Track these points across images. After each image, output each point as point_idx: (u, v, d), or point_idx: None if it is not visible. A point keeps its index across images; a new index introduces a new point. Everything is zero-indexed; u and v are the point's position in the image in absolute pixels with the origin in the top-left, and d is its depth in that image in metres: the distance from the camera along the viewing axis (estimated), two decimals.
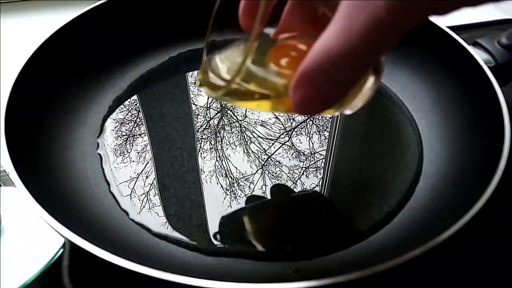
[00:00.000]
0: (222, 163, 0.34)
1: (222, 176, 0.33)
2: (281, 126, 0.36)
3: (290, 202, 0.31)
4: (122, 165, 0.33)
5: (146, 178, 0.33)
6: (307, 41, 0.21)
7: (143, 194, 0.32)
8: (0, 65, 0.42)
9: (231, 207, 0.31)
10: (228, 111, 0.38)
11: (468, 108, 0.35)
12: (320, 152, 0.35)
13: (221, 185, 0.32)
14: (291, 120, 0.37)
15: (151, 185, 0.32)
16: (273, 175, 0.33)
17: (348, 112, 0.24)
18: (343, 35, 0.16)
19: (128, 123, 0.37)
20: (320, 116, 0.37)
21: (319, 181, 0.33)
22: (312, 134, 0.36)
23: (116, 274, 0.24)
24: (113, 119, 0.37)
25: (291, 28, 0.23)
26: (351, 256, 0.29)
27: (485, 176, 0.27)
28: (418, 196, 0.32)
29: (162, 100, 0.39)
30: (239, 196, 0.32)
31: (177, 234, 0.29)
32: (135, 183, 0.32)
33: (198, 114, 0.37)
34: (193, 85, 0.40)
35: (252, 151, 0.35)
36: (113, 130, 0.36)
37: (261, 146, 0.35)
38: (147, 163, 0.34)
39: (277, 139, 0.35)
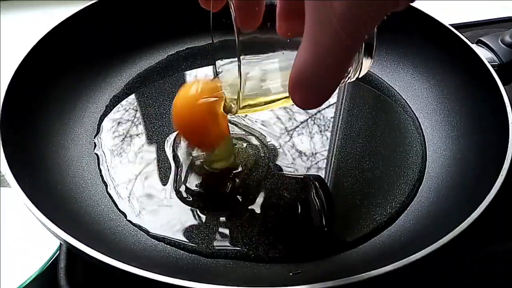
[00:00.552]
0: None
1: None
2: (282, 126, 0.36)
3: (291, 203, 0.31)
4: (120, 166, 0.33)
5: (145, 179, 0.32)
6: None
7: (141, 195, 0.31)
8: None
9: (231, 208, 0.30)
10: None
11: (472, 107, 0.35)
12: (321, 153, 0.34)
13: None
14: (293, 120, 0.37)
15: (149, 186, 0.32)
16: (273, 176, 0.32)
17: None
18: (312, 47, 0.18)
19: (125, 123, 0.36)
20: (321, 116, 0.37)
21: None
22: (314, 134, 0.36)
23: (113, 277, 0.24)
24: (110, 119, 0.36)
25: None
26: (353, 258, 0.28)
27: (489, 176, 0.27)
28: (422, 197, 0.32)
29: (160, 99, 0.38)
30: (239, 197, 0.31)
31: (176, 236, 0.29)
32: (133, 184, 0.32)
33: None
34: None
35: (252, 151, 0.34)
36: (110, 130, 0.35)
37: (262, 146, 0.34)
38: (145, 163, 0.33)
39: (278, 139, 0.35)
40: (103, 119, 0.36)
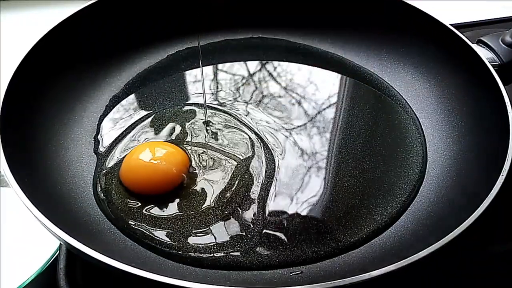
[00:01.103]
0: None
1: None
2: (282, 126, 0.36)
3: (291, 204, 0.31)
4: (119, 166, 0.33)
5: None
6: None
7: (141, 197, 0.31)
8: None
9: (231, 209, 0.30)
10: (228, 110, 0.37)
11: (473, 107, 0.34)
12: (321, 153, 0.34)
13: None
14: (294, 119, 0.37)
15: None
16: (273, 176, 0.32)
17: None
18: None
19: (125, 123, 0.36)
20: (322, 117, 0.37)
21: (321, 182, 0.32)
22: (314, 134, 0.36)
23: (112, 277, 0.24)
24: (110, 119, 0.36)
25: None
26: (353, 258, 0.28)
27: (490, 177, 0.27)
28: (422, 198, 0.32)
29: (160, 98, 0.38)
30: (239, 198, 0.31)
31: (175, 237, 0.29)
32: None
33: (197, 113, 0.37)
34: (191, 83, 0.40)
35: (252, 151, 0.34)
36: (110, 130, 0.35)
37: (262, 146, 0.34)
38: None
39: (278, 139, 0.35)
40: (103, 119, 0.36)
